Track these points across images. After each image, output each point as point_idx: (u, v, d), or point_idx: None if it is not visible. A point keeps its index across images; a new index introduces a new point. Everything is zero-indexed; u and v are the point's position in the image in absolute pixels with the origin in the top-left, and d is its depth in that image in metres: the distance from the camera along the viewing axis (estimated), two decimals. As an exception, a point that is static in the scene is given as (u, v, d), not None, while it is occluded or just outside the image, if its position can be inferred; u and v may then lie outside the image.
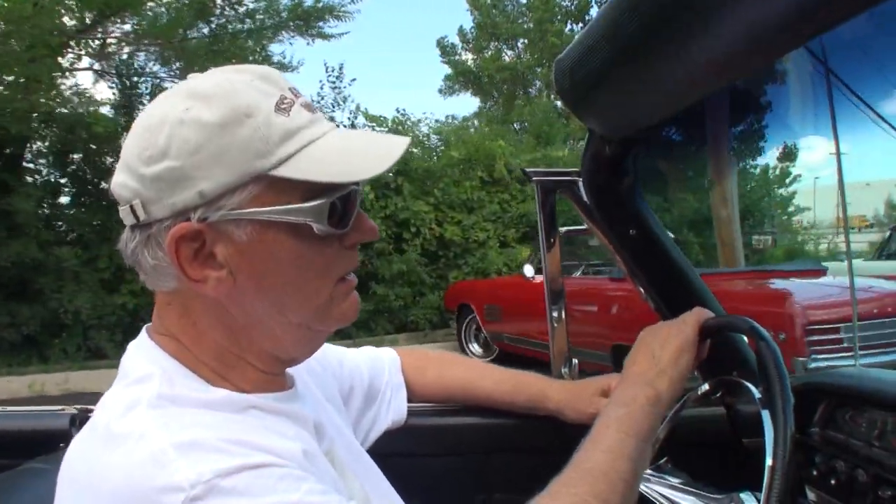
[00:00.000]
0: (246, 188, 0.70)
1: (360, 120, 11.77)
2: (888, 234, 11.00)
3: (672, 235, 1.46)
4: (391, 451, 1.09)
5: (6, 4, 7.88)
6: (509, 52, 22.80)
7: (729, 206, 7.37)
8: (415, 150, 11.50)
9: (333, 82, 11.83)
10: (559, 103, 18.24)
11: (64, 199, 9.89)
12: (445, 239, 11.20)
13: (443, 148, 12.21)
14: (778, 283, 5.91)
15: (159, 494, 0.60)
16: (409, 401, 1.25)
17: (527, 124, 18.30)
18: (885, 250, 10.29)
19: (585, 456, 0.82)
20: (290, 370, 0.88)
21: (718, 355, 1.11)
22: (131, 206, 0.72)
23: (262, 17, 10.44)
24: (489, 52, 22.58)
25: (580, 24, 20.57)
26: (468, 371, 1.31)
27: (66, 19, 8.99)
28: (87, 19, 9.23)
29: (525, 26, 21.96)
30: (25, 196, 8.47)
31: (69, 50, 9.31)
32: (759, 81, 1.18)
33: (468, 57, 23.12)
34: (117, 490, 0.62)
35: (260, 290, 0.74)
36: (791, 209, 16.21)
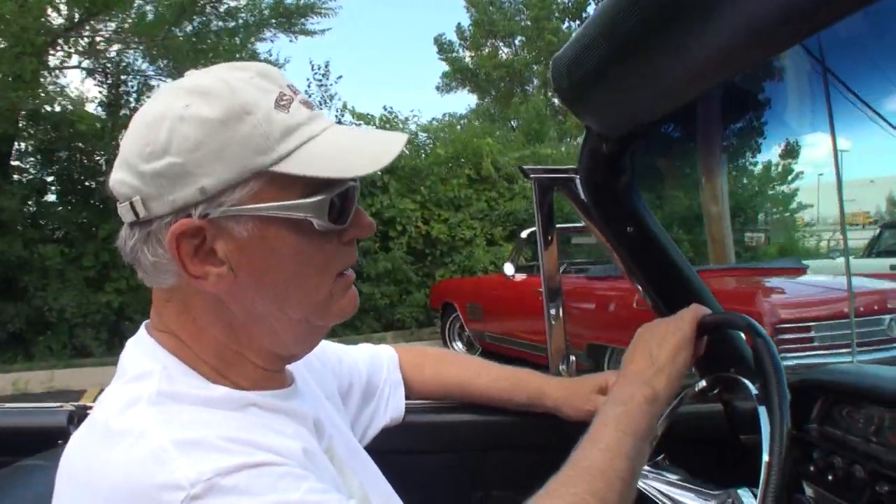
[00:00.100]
0: (247, 184, 0.71)
1: (347, 118, 11.75)
2: (878, 231, 11.05)
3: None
4: (389, 449, 1.09)
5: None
6: (506, 50, 22.87)
7: (719, 202, 7.41)
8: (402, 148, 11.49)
9: (320, 80, 11.83)
10: (553, 101, 18.30)
11: (51, 198, 9.91)
12: (432, 237, 11.23)
13: (431, 146, 12.21)
14: (752, 281, 5.92)
15: (159, 492, 0.61)
16: (407, 398, 1.26)
17: (520, 122, 18.33)
18: (875, 248, 10.34)
19: (583, 454, 0.83)
20: (289, 367, 0.88)
21: (716, 352, 1.12)
22: (131, 203, 0.72)
23: (244, 14, 10.46)
24: (486, 50, 22.61)
25: (577, 22, 20.62)
26: (466, 368, 1.31)
27: (53, 18, 9.01)
28: (74, 17, 9.23)
29: (522, 24, 22.01)
30: (10, 194, 8.51)
31: (57, 48, 9.31)
32: (756, 79, 1.19)
33: (466, 54, 23.21)
34: (116, 487, 0.63)
35: (260, 286, 0.75)
36: (793, 206, 16.27)
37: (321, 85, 11.85)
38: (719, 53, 0.80)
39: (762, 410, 0.89)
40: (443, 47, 23.20)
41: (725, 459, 1.28)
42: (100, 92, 10.31)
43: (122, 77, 10.26)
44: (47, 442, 1.18)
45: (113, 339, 9.29)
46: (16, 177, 9.39)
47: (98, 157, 9.63)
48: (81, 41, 9.64)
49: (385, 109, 12.21)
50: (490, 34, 22.50)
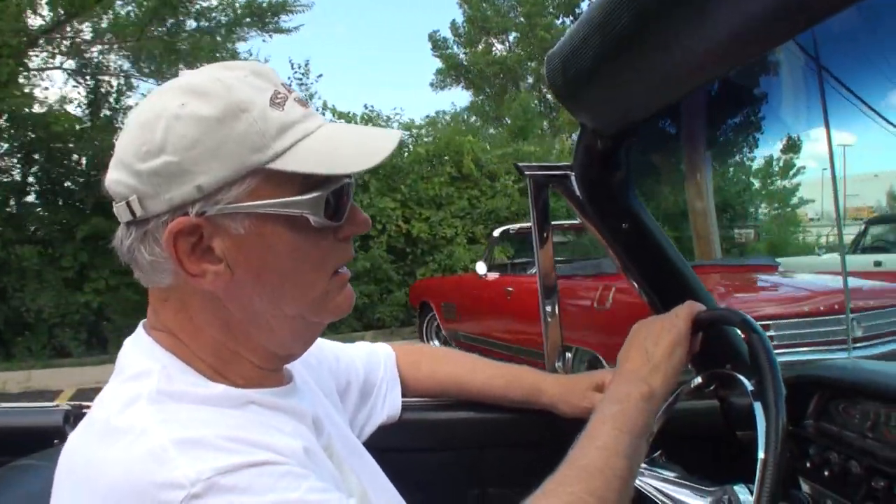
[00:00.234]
0: (243, 182, 0.72)
1: (328, 116, 11.74)
2: (863, 227, 11.07)
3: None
4: (385, 446, 1.09)
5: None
6: (500, 47, 22.97)
7: (704, 198, 7.44)
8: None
9: (300, 79, 11.82)
10: (546, 97, 18.33)
11: (30, 199, 9.91)
12: (412, 236, 11.26)
13: (413, 143, 12.23)
14: (714, 280, 5.81)
15: (158, 490, 0.61)
16: (404, 396, 1.26)
17: (509, 119, 18.42)
18: (860, 244, 10.35)
19: (580, 453, 0.83)
20: (287, 366, 0.89)
21: (711, 348, 1.13)
22: (127, 203, 0.73)
23: (217, 14, 10.50)
24: (481, 47, 22.68)
25: (571, 18, 20.70)
26: (462, 365, 1.32)
27: (31, 20, 9.01)
28: (55, 18, 9.21)
29: (516, 20, 22.06)
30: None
31: (37, 49, 9.28)
32: (751, 74, 1.20)
33: (460, 51, 23.28)
34: (116, 484, 0.63)
35: (257, 283, 0.76)
36: (794, 201, 16.35)
37: (301, 84, 11.83)
38: (715, 48, 0.81)
39: (758, 406, 0.90)
40: (437, 44, 23.28)
41: (722, 456, 1.29)
42: (79, 93, 10.36)
43: (102, 78, 10.24)
44: (43, 441, 1.18)
45: (92, 340, 9.26)
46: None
47: (77, 157, 9.60)
48: (63, 43, 9.63)
49: (366, 108, 12.26)
50: (483, 31, 22.55)
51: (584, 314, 5.42)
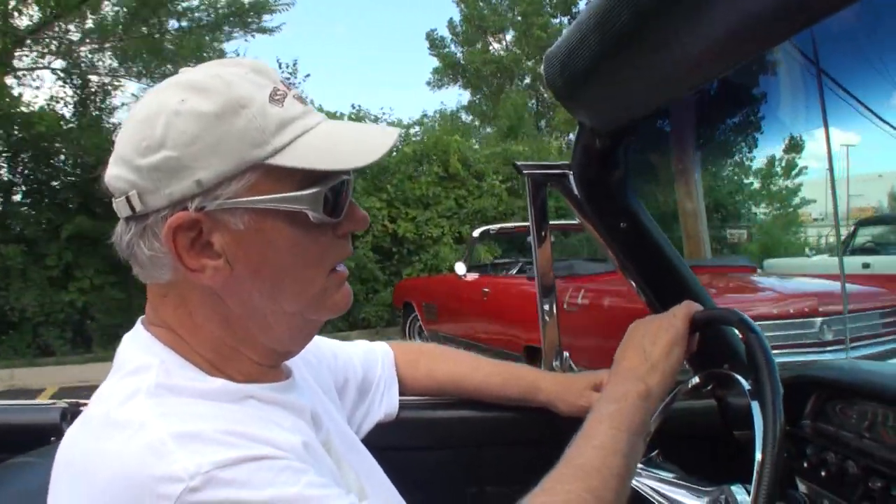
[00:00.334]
0: (243, 177, 0.73)
1: (319, 115, 11.75)
2: (853, 228, 11.09)
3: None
4: (383, 445, 1.10)
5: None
6: (496, 46, 23.03)
7: (694, 198, 7.45)
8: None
9: (288, 78, 11.78)
10: (544, 96, 18.35)
11: (16, 198, 9.92)
12: (399, 235, 11.27)
13: (401, 143, 12.25)
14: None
15: (157, 484, 0.62)
16: (402, 394, 1.27)
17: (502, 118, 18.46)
18: (849, 245, 10.35)
19: (578, 452, 0.84)
20: (286, 362, 0.90)
21: (708, 348, 1.14)
22: (127, 198, 0.74)
23: (199, 14, 10.51)
24: (479, 45, 22.73)
25: (567, 17, 20.77)
26: (460, 364, 1.33)
27: (16, 21, 8.99)
28: (39, 18, 9.20)
29: (513, 19, 22.13)
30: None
31: (24, 49, 9.26)
32: (750, 73, 1.20)
33: (457, 50, 23.38)
34: (114, 477, 0.64)
35: (256, 278, 0.76)
36: (796, 201, 16.37)
37: (290, 83, 11.80)
38: (714, 46, 0.82)
39: (755, 406, 0.90)
40: (434, 43, 23.36)
41: (719, 455, 1.30)
42: (66, 93, 10.33)
43: (89, 77, 10.25)
44: (40, 439, 1.18)
45: (76, 339, 9.24)
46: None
47: (63, 157, 9.61)
48: (52, 43, 9.62)
49: (353, 107, 12.31)
50: (480, 30, 22.62)
51: (564, 317, 5.40)
